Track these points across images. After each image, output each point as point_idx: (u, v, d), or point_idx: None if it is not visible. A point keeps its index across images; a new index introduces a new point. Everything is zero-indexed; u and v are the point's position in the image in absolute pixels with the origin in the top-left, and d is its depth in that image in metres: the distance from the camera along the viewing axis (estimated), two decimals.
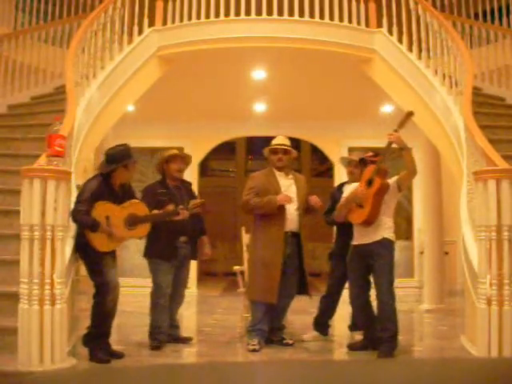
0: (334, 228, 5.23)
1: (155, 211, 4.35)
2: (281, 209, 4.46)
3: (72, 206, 3.92)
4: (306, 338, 4.88)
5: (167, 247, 4.49)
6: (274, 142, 4.73)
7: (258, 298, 4.52)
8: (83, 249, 3.96)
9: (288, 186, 4.60)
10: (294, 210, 4.53)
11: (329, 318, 5.04)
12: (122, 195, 4.10)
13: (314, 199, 4.59)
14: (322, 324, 4.99)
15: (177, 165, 4.70)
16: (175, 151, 4.79)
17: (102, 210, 3.91)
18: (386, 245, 4.26)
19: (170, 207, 4.38)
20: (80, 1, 7.29)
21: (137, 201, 4.18)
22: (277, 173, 4.64)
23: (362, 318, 4.53)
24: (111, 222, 3.94)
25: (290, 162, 4.72)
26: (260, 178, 4.65)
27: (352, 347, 4.48)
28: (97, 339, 3.98)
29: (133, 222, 4.06)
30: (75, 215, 3.81)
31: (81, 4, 7.27)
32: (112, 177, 4.06)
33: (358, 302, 4.43)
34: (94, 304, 3.98)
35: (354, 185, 4.51)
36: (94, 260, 3.96)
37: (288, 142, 4.71)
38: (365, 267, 4.32)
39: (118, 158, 4.04)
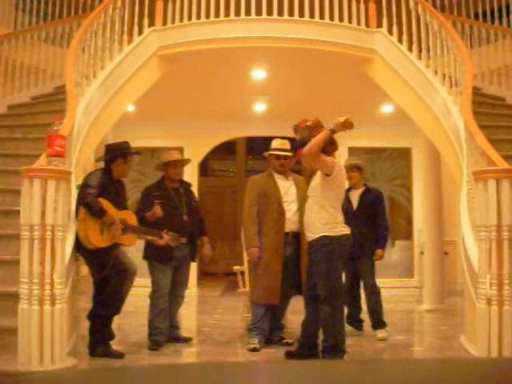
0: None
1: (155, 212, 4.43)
2: (280, 212, 4.50)
3: (72, 205, 3.93)
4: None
5: (165, 249, 4.47)
6: (274, 145, 4.72)
7: (262, 299, 4.53)
8: (89, 252, 3.98)
9: (288, 188, 4.63)
10: (294, 211, 4.55)
11: (358, 314, 5.26)
12: (119, 191, 4.23)
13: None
14: (354, 320, 5.23)
15: (176, 170, 4.73)
16: (175, 156, 4.79)
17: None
18: (319, 246, 3.88)
19: (158, 210, 4.43)
20: (80, 1, 7.28)
21: (130, 212, 4.31)
22: (276, 175, 4.66)
23: None
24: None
25: (290, 166, 4.73)
26: (259, 182, 4.67)
27: None
28: (103, 318, 4.07)
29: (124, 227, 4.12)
30: (87, 197, 3.89)
31: (81, 4, 7.26)
32: (111, 170, 4.18)
33: None
34: (110, 289, 4.04)
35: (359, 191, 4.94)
36: (104, 257, 3.98)
37: (288, 145, 4.72)
38: None
39: (117, 149, 4.24)
